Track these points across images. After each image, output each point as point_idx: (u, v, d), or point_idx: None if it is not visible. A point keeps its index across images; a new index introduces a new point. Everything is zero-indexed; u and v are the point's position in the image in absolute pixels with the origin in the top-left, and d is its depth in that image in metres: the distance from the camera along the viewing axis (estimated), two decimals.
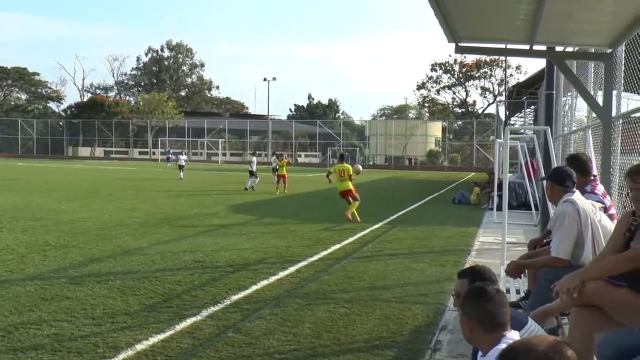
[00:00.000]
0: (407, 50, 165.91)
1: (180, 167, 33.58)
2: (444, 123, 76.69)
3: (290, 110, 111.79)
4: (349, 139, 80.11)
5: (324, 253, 10.04)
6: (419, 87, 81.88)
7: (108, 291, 7.06)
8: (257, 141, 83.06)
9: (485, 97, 78.40)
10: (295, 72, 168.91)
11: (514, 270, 5.36)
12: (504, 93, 54.10)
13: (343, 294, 7.19)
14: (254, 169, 25.88)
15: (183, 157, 34.85)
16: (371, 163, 70.99)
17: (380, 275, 8.32)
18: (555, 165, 8.82)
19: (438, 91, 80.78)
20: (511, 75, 71.27)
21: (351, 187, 14.90)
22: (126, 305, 6.45)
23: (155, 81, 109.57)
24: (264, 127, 78.28)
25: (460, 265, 9.23)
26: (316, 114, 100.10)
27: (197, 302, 6.63)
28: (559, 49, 8.00)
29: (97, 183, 27.66)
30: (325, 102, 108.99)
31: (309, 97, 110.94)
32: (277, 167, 25.02)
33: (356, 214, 14.61)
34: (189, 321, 5.93)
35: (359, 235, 12.35)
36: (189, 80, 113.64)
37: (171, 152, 60.51)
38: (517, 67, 72.96)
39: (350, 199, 14.76)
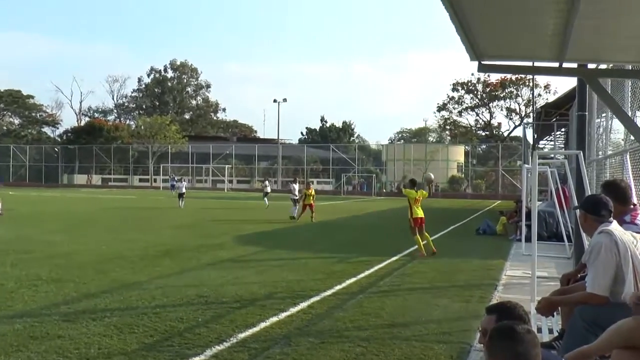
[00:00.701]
0: (427, 69, 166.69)
1: (180, 195, 33.62)
2: (466, 147, 76.60)
3: (302, 133, 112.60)
4: (364, 165, 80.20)
5: (338, 287, 10.00)
6: (440, 109, 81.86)
7: (104, 329, 7.04)
8: (266, 167, 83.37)
9: (511, 118, 78.12)
10: (307, 92, 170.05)
11: (545, 308, 5.26)
12: (531, 114, 54.02)
13: (359, 332, 7.13)
14: (297, 197, 26.27)
15: (183, 185, 34.88)
16: (389, 190, 70.96)
17: (399, 312, 8.25)
18: (589, 193, 8.75)
19: (460, 112, 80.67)
20: (539, 95, 71.15)
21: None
22: (123, 344, 6.42)
23: (157, 103, 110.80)
24: (273, 152, 78.59)
25: (486, 301, 9.13)
26: (329, 138, 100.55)
27: (201, 341, 6.59)
28: (591, 66, 8.00)
29: (93, 213, 27.82)
30: (339, 124, 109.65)
31: (322, 119, 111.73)
32: (304, 195, 25.08)
33: (429, 246, 14.62)
34: None
35: (376, 268, 12.28)
36: (193, 102, 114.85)
37: (176, 178, 60.94)
38: (546, 87, 72.81)
39: (422, 229, 14.67)
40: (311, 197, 24.84)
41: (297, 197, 26.28)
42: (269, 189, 37.42)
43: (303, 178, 77.15)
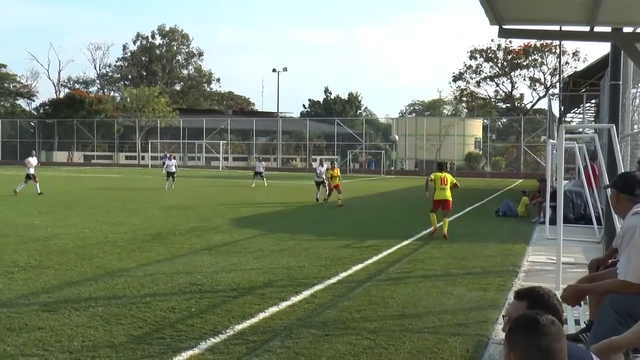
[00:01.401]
0: (441, 35, 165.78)
1: (170, 174, 33.47)
2: (485, 121, 76.33)
3: (304, 106, 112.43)
4: (372, 140, 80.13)
5: (344, 274, 10.04)
6: (456, 79, 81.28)
7: (88, 320, 7.09)
8: (264, 143, 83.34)
9: (535, 89, 77.58)
10: (309, 61, 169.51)
11: (572, 297, 5.24)
12: (558, 84, 53.73)
13: (366, 323, 7.17)
14: (323, 179, 26.00)
15: (173, 163, 34.56)
16: (399, 168, 70.94)
17: (410, 301, 8.28)
18: (622, 171, 8.73)
19: (478, 83, 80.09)
20: (567, 63, 70.65)
21: (451, 198, 15.61)
22: (110, 337, 6.47)
23: (144, 73, 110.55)
24: (272, 127, 78.50)
25: (505, 289, 9.17)
26: (334, 111, 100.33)
27: (195, 333, 6.64)
28: (627, 30, 7.92)
29: (75, 193, 27.90)
30: (344, 96, 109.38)
31: (326, 90, 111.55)
32: (330, 176, 24.84)
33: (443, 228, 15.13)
34: (185, 355, 5.94)
35: (385, 253, 12.32)
36: (184, 72, 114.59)
37: (168, 155, 61.02)
38: (575, 53, 72.24)
39: (447, 211, 15.52)
40: (337, 178, 24.67)
41: (322, 180, 26.02)
42: (261, 169, 37.86)
43: (305, 154, 77.18)
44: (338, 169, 25.42)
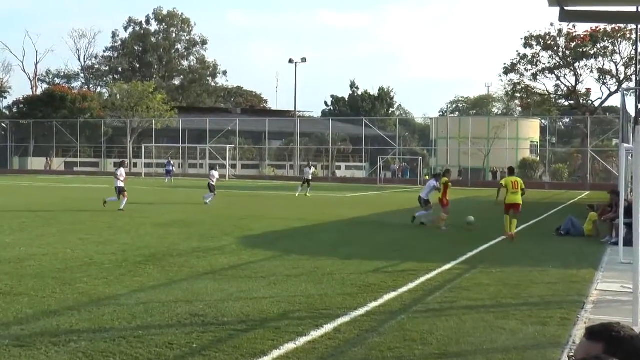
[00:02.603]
0: (489, 18, 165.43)
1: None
2: (543, 121, 76.00)
3: (326, 104, 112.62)
4: (407, 144, 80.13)
5: (374, 305, 10.02)
6: (507, 71, 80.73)
7: (69, 357, 7.12)
8: (279, 147, 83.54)
9: (604, 83, 76.79)
10: (332, 50, 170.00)
11: None
12: (634, 77, 53.23)
13: None
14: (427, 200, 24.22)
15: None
16: None
17: (453, 337, 8.24)
18: None
19: (534, 75, 79.46)
20: None
21: (521, 202, 19.82)
22: None
23: (137, 66, 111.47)
24: (289, 128, 78.70)
25: (569, 323, 9.09)
26: (362, 110, 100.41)
27: None
28: None
29: (55, 207, 28.07)
30: (374, 92, 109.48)
31: (352, 85, 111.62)
32: (440, 187, 23.46)
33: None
34: None
35: (423, 279, 12.27)
36: (185, 63, 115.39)
37: (172, 163, 61.54)
38: None
39: (517, 214, 19.70)
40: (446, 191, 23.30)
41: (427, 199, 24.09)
42: (309, 176, 40.27)
43: (327, 161, 77.19)
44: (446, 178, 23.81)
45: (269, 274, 12.49)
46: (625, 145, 18.50)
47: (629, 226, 14.44)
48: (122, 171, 27.45)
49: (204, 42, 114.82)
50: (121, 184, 26.67)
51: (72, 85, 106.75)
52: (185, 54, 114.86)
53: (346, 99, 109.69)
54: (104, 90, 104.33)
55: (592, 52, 74.62)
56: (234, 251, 15.55)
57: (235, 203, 32.83)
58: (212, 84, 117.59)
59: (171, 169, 59.05)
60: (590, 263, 14.77)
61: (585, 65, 76.32)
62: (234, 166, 77.54)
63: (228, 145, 76.24)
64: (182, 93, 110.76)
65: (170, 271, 12.53)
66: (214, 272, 12.64)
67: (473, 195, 44.22)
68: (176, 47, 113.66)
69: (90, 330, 8.22)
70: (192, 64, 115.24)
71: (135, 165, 79.01)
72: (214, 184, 31.70)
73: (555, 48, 76.62)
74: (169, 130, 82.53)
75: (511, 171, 21.76)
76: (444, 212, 22.49)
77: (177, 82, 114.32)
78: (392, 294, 10.84)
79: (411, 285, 11.65)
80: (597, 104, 77.26)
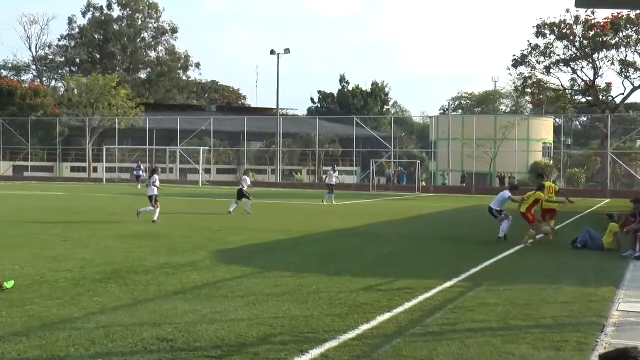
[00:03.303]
0: (497, 5, 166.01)
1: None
2: (557, 120, 76.30)
3: (313, 101, 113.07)
4: (404, 147, 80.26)
5: (366, 327, 9.97)
6: (517, 63, 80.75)
7: None
8: (260, 150, 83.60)
9: (627, 77, 76.81)
10: (319, 40, 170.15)
11: None
12: None
13: None
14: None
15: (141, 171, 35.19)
16: (440, 184, 70.84)
17: None
18: None
19: (548, 69, 79.50)
20: None
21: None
22: None
23: (98, 57, 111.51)
24: (270, 128, 78.77)
25: (587, 348, 9.08)
26: (353, 107, 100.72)
27: None
28: None
29: (1, 217, 27.90)
30: (366, 87, 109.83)
31: (342, 79, 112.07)
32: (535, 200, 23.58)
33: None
34: None
35: (421, 298, 12.22)
36: (152, 54, 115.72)
37: (142, 167, 61.51)
38: None
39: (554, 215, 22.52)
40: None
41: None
42: (333, 180, 42.21)
43: (314, 165, 77.18)
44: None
45: (248, 292, 12.43)
46: None
47: None
48: (156, 178, 27.43)
49: (174, 31, 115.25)
50: (156, 192, 26.80)
51: (22, 78, 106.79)
52: (153, 43, 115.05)
53: (335, 96, 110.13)
54: (59, 85, 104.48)
55: (613, 42, 73.70)
56: (207, 267, 15.47)
57: (207, 213, 32.71)
58: (184, 78, 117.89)
59: (141, 174, 59.09)
60: (610, 280, 14.74)
61: (606, 57, 75.57)
62: (208, 171, 77.53)
63: (202, 148, 76.37)
64: (149, 88, 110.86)
65: (135, 290, 12.42)
66: (185, 291, 12.56)
67: (477, 204, 44.12)
68: (142, 35, 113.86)
69: (41, 359, 8.12)
70: (161, 55, 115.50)
71: (95, 170, 78.59)
72: (246, 189, 32.58)
73: (572, 37, 76.08)
74: (134, 131, 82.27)
75: (542, 176, 24.02)
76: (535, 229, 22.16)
77: (143, 75, 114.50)
78: (387, 315, 10.79)
79: (408, 305, 11.59)
80: (618, 100, 76.68)
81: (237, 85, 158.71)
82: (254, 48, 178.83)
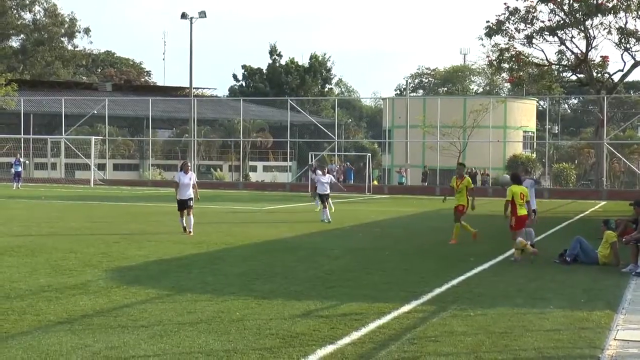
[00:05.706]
0: None
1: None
2: (541, 103, 76.97)
3: (236, 77, 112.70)
4: (352, 136, 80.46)
5: None
6: (492, 31, 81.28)
7: None
8: (169, 139, 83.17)
9: (627, 49, 77.38)
10: (245, 2, 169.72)
11: None
12: None
13: None
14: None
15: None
16: (396, 183, 71.21)
17: None
18: None
19: (530, 38, 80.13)
20: None
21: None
22: None
23: None
24: (182, 112, 78.45)
25: None
26: (286, 87, 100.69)
27: None
28: None
29: None
30: (303, 61, 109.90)
31: (272, 51, 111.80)
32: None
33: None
34: None
35: (372, 326, 12.30)
36: (27, 16, 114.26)
37: (21, 162, 60.95)
38: None
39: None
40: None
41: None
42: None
43: (237, 160, 77.05)
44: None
45: (153, 321, 12.40)
46: None
47: None
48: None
49: None
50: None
51: None
52: (27, 2, 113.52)
53: (264, 72, 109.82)
54: None
55: (610, 5, 74.07)
56: (101, 289, 15.38)
57: (102, 220, 32.51)
58: (69, 47, 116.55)
59: (20, 170, 58.62)
60: (606, 302, 14.97)
61: (601, 24, 75.71)
62: (102, 167, 76.86)
63: (93, 137, 75.57)
64: (23, 60, 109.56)
65: (5, 320, 12.27)
66: (72, 320, 12.44)
67: (442, 208, 44.38)
68: None
69: None
70: (38, 17, 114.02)
71: None
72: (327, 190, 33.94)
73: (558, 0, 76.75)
74: (4, 115, 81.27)
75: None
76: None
77: (15, 43, 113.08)
78: (329, 348, 10.83)
79: (355, 335, 11.65)
80: (616, 78, 76.92)
81: (139, 57, 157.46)
82: (160, 10, 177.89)
